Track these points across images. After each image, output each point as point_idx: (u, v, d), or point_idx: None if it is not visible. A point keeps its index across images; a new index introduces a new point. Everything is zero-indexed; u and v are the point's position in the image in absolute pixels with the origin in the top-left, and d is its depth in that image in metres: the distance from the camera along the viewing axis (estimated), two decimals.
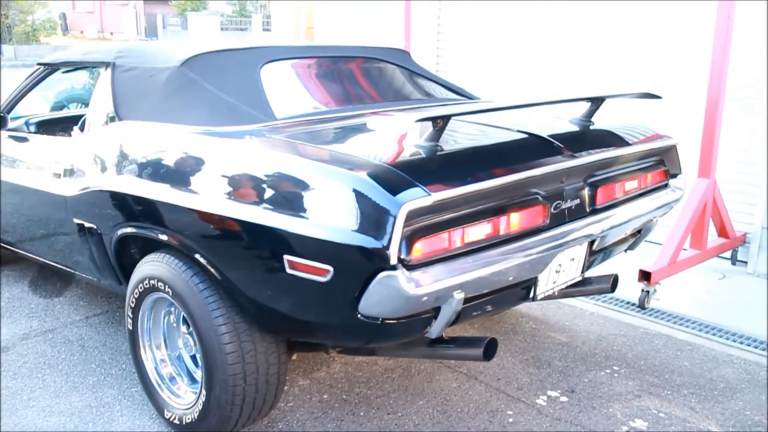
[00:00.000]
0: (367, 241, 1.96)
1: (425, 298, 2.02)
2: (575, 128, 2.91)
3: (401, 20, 5.69)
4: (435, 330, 2.21)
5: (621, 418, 2.88)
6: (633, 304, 3.99)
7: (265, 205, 2.21)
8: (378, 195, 1.98)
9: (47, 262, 3.61)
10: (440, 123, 2.24)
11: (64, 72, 3.75)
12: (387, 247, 1.94)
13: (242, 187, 2.33)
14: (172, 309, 2.75)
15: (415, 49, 5.89)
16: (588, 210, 2.62)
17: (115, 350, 3.40)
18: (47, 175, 3.22)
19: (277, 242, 2.17)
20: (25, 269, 4.44)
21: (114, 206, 2.81)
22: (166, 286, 2.54)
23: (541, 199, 2.39)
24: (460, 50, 6.39)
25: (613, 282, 3.04)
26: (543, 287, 2.58)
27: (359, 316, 2.08)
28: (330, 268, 2.05)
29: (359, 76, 3.44)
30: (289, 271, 2.15)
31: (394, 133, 2.50)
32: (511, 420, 2.86)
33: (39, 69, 3.69)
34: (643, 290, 3.82)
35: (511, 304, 2.91)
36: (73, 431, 2.75)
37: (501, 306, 2.72)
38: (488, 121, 2.85)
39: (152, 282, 2.61)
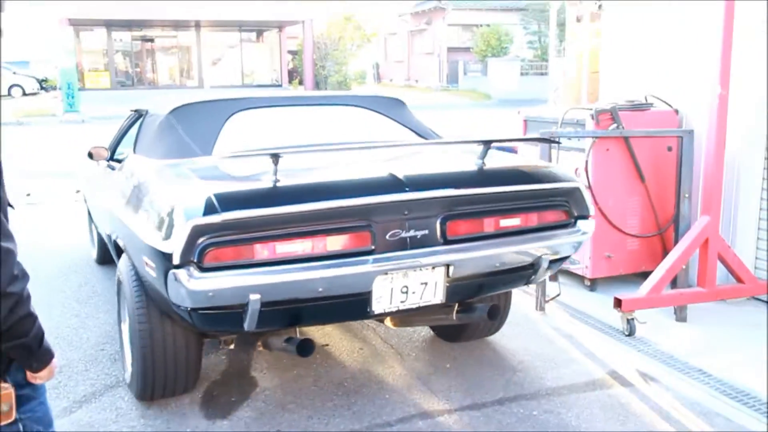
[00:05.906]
0: (164, 246, 2.57)
1: (211, 294, 2.51)
2: (453, 167, 3.23)
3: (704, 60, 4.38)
4: (247, 325, 2.64)
5: None
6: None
7: (138, 215, 2.98)
8: (182, 212, 2.55)
9: None
10: (274, 159, 2.64)
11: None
12: (173, 251, 2.49)
13: (131, 200, 3.17)
14: None
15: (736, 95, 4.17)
16: (440, 240, 2.83)
17: None
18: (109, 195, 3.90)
19: (140, 245, 2.87)
20: None
21: (107, 218, 3.72)
22: (121, 276, 3.27)
23: (370, 225, 2.71)
24: None
25: (491, 311, 3.19)
26: (383, 305, 2.83)
27: (173, 305, 2.65)
28: (154, 265, 2.69)
29: (318, 122, 3.85)
30: (146, 268, 2.82)
31: (248, 166, 3.01)
32: None
33: (132, 115, 4.50)
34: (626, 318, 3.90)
35: (345, 316, 3.23)
36: None
37: (331, 317, 3.10)
38: (361, 158, 3.26)
39: (117, 274, 3.37)
